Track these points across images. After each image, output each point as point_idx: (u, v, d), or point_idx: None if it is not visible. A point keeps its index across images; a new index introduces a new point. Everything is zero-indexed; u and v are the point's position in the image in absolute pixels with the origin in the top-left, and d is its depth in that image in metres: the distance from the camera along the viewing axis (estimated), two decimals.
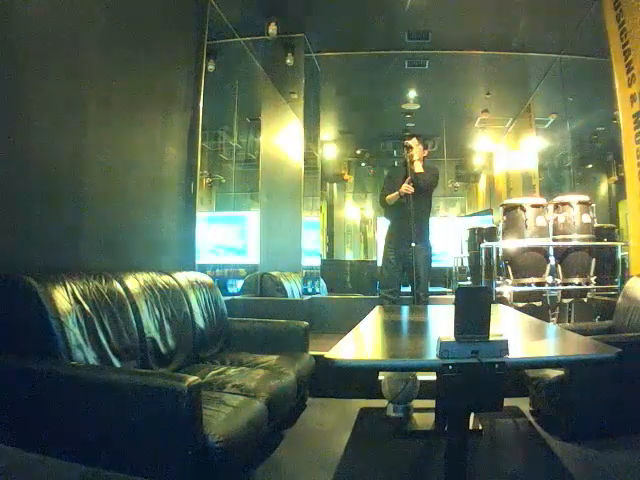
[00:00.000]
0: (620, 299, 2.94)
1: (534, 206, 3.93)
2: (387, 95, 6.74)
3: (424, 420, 2.67)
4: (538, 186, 6.91)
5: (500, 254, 4.00)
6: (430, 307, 3.53)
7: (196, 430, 1.54)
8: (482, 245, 4.20)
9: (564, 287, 3.86)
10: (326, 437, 2.55)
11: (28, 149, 1.99)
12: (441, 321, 2.59)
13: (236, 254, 6.05)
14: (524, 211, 3.89)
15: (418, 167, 3.76)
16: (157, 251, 3.06)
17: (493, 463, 2.21)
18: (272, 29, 4.71)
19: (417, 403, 2.80)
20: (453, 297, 1.46)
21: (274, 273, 4.87)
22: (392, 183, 3.86)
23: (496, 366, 1.40)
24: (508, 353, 1.42)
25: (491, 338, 1.43)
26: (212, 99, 3.96)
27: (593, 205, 3.96)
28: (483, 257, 4.07)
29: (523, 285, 3.83)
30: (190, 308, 2.71)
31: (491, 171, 8.80)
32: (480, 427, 2.52)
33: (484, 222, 6.72)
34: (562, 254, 3.90)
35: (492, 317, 1.44)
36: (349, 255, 9.71)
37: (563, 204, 3.93)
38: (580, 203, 3.90)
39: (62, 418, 1.60)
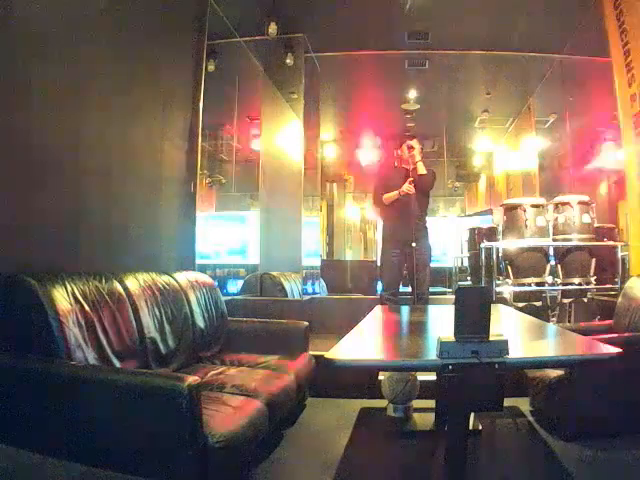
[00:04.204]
0: (620, 299, 2.94)
1: (534, 206, 3.93)
2: (387, 95, 6.73)
3: (424, 420, 2.67)
4: (538, 186, 6.90)
5: (500, 254, 4.00)
6: (430, 307, 3.52)
7: (196, 430, 1.54)
8: (482, 245, 4.19)
9: (564, 287, 3.87)
10: (326, 437, 2.55)
11: (28, 149, 1.99)
12: (441, 321, 2.59)
13: (236, 254, 6.05)
14: (524, 211, 3.89)
15: (422, 169, 3.76)
16: (157, 251, 3.06)
17: (493, 463, 2.21)
18: (272, 29, 4.70)
19: (417, 403, 2.80)
20: (453, 297, 1.46)
21: (274, 273, 4.86)
22: (388, 183, 3.85)
23: (496, 366, 1.40)
24: (508, 353, 1.43)
25: (491, 338, 1.43)
26: (212, 99, 3.95)
27: (593, 205, 3.96)
28: (483, 257, 4.06)
29: (523, 285, 3.83)
30: (190, 308, 2.71)
31: (491, 171, 8.78)
32: (480, 427, 2.52)
33: (484, 222, 6.71)
34: (562, 254, 3.90)
35: (492, 317, 1.44)
36: (349, 255, 9.69)
37: (563, 204, 3.93)
38: (580, 203, 3.90)
39: (62, 418, 1.60)
